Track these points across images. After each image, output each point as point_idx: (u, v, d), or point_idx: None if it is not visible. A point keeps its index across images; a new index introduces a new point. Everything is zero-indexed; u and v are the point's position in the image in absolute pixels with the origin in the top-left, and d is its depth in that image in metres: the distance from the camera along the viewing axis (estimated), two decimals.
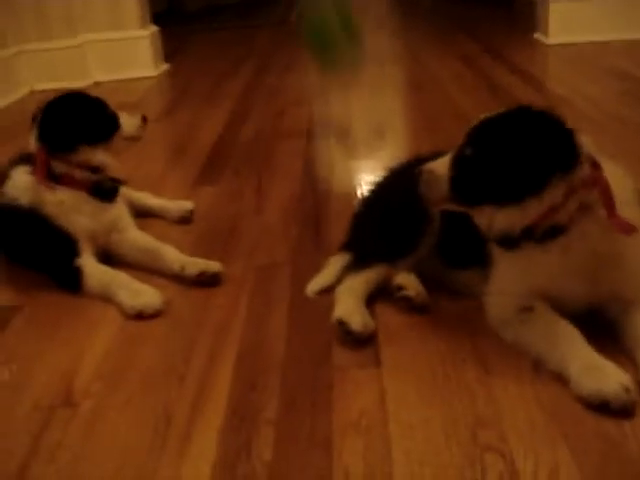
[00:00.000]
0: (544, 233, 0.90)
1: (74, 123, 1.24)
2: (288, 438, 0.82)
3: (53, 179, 1.21)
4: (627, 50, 2.66)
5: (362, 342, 0.98)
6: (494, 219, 0.92)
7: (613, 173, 0.91)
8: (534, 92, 2.15)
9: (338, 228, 1.33)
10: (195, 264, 1.18)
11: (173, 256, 1.20)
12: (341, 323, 0.98)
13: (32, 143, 1.24)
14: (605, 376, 0.83)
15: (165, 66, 3.04)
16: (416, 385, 0.89)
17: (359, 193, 1.49)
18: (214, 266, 1.18)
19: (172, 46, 3.49)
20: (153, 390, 0.92)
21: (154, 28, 2.99)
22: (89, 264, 1.19)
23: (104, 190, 1.26)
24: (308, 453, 0.80)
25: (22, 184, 1.23)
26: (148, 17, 2.98)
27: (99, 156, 1.26)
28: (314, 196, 1.51)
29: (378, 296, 1.08)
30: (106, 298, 1.14)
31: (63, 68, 2.79)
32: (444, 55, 2.83)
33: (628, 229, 0.87)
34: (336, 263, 1.15)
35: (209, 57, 3.27)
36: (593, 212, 0.89)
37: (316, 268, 1.18)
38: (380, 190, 1.19)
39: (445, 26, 3.63)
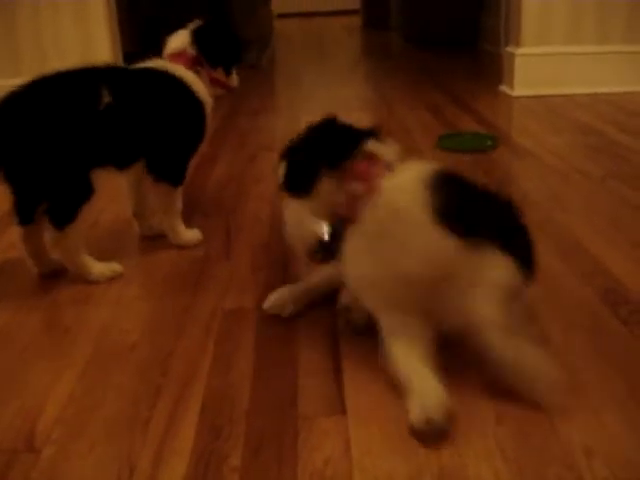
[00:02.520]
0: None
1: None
2: None
3: None
4: (591, 104, 2.74)
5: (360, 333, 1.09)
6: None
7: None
8: (500, 143, 2.19)
9: (305, 274, 1.34)
10: None
11: None
12: (347, 309, 1.11)
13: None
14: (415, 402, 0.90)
15: None
16: (381, 434, 0.89)
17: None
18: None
19: None
20: (117, 437, 0.92)
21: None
22: None
23: None
24: None
25: None
26: (120, 57, 3.00)
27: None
28: (282, 242, 1.51)
29: (343, 339, 1.10)
30: None
31: None
32: (413, 103, 2.89)
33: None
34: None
35: None
36: (368, 203, 0.99)
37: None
38: None
39: (414, 73, 3.70)
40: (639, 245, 1.42)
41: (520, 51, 2.87)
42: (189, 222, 1.64)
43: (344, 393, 0.98)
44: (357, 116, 2.72)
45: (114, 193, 1.87)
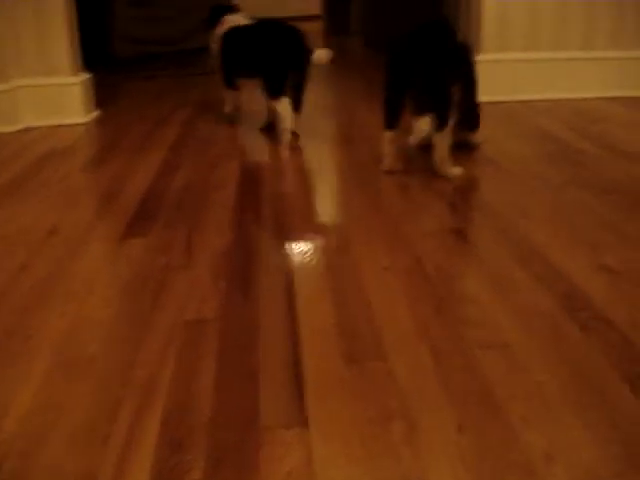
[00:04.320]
0: None
1: None
2: None
3: None
4: (550, 110, 2.77)
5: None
6: None
7: None
8: (460, 150, 2.20)
9: (267, 282, 1.34)
10: None
11: None
12: None
13: None
14: None
15: (96, 113, 3.02)
16: (343, 445, 0.89)
17: (288, 246, 1.51)
18: None
19: (105, 92, 3.48)
20: (77, 451, 0.90)
21: (86, 75, 2.98)
22: None
23: None
24: None
25: None
26: (80, 64, 2.97)
27: None
28: (243, 250, 1.51)
29: (305, 349, 1.10)
30: None
31: None
32: (374, 110, 2.90)
33: None
34: None
35: (142, 105, 3.26)
36: None
37: (245, 324, 1.19)
38: None
39: (374, 79, 3.71)
40: (599, 252, 1.44)
41: (479, 58, 2.90)
42: (150, 231, 1.63)
43: (306, 404, 0.98)
44: (320, 122, 2.72)
45: (72, 200, 1.84)
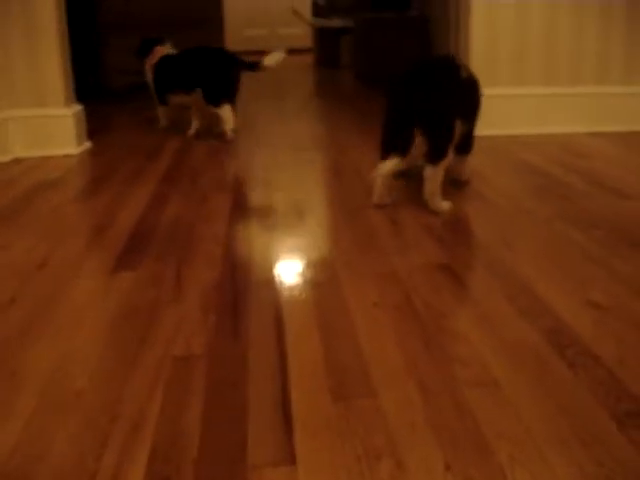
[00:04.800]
0: None
1: None
2: None
3: None
4: (537, 145, 2.81)
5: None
6: None
7: None
8: (448, 185, 2.22)
9: (256, 317, 1.34)
10: None
11: None
12: None
13: None
14: None
15: (88, 144, 3.04)
16: None
17: (277, 281, 1.52)
18: None
19: (96, 124, 3.50)
20: None
21: (78, 107, 3.00)
22: None
23: None
24: None
25: None
26: (72, 95, 2.99)
27: None
28: (233, 284, 1.51)
29: (293, 384, 1.10)
30: None
31: None
32: (364, 144, 2.93)
33: None
34: None
35: (133, 136, 3.28)
36: None
37: (233, 360, 1.19)
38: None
39: (365, 112, 3.75)
40: (586, 287, 1.45)
41: None
42: (140, 264, 1.63)
43: (294, 440, 0.98)
44: (310, 156, 2.75)
45: (62, 232, 1.85)
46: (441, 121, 1.92)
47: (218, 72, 3.05)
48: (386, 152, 1.96)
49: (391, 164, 1.93)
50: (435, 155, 1.92)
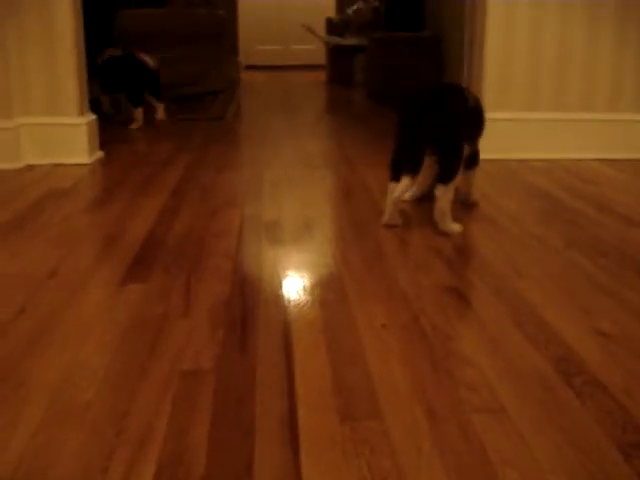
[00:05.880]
0: None
1: None
2: None
3: None
4: (546, 170, 2.82)
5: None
6: None
7: None
8: (458, 207, 2.23)
9: (264, 334, 1.35)
10: None
11: None
12: None
13: None
14: None
15: (100, 154, 3.06)
16: None
17: (286, 298, 1.52)
18: None
19: (108, 135, 3.52)
20: None
21: (92, 116, 3.02)
22: None
23: None
24: None
25: None
26: (86, 105, 3.01)
27: None
28: (242, 299, 1.52)
29: (301, 403, 1.10)
30: None
31: None
32: (375, 163, 2.94)
33: None
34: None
35: (144, 148, 3.30)
36: None
37: (241, 376, 1.19)
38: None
39: (376, 131, 3.76)
40: (593, 315, 1.45)
41: None
42: (149, 276, 1.64)
43: (300, 460, 0.98)
44: (321, 173, 2.76)
45: (72, 241, 1.86)
46: (453, 144, 1.99)
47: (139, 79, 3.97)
48: (396, 172, 1.99)
49: (403, 185, 1.96)
50: (447, 175, 1.97)
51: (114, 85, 3.97)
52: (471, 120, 2.11)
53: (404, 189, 1.98)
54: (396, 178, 2.00)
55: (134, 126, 3.88)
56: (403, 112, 2.04)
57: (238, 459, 0.98)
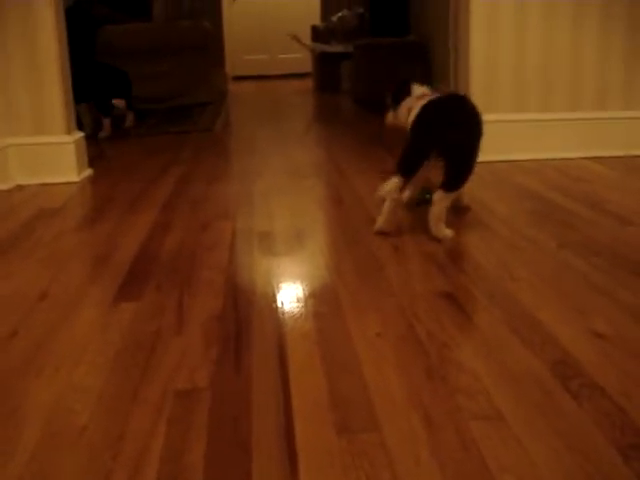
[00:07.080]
0: None
1: None
2: None
3: None
4: (536, 170, 2.82)
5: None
6: None
7: None
8: (449, 212, 2.23)
9: (259, 349, 1.34)
10: None
11: None
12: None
13: None
14: None
15: (88, 171, 3.05)
16: None
17: (280, 311, 1.51)
18: None
19: (97, 150, 3.51)
20: None
21: (79, 134, 3.01)
22: None
23: None
24: None
25: None
26: (73, 123, 3.00)
27: None
28: (235, 314, 1.51)
29: (298, 419, 1.09)
30: None
31: None
32: (365, 170, 2.94)
33: None
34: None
35: (133, 163, 3.29)
36: None
37: (237, 393, 1.18)
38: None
39: (366, 138, 3.76)
40: (588, 316, 1.45)
41: None
42: (141, 294, 1.63)
43: (298, 475, 0.97)
44: (311, 182, 2.75)
45: (63, 261, 1.85)
46: (469, 154, 1.99)
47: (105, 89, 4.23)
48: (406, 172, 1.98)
49: (393, 184, 1.95)
50: (454, 183, 1.98)
51: (82, 95, 3.97)
52: (478, 130, 2.08)
53: (393, 188, 1.96)
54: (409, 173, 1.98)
55: (102, 135, 4.04)
56: (415, 123, 2.04)
57: (236, 477, 0.97)
